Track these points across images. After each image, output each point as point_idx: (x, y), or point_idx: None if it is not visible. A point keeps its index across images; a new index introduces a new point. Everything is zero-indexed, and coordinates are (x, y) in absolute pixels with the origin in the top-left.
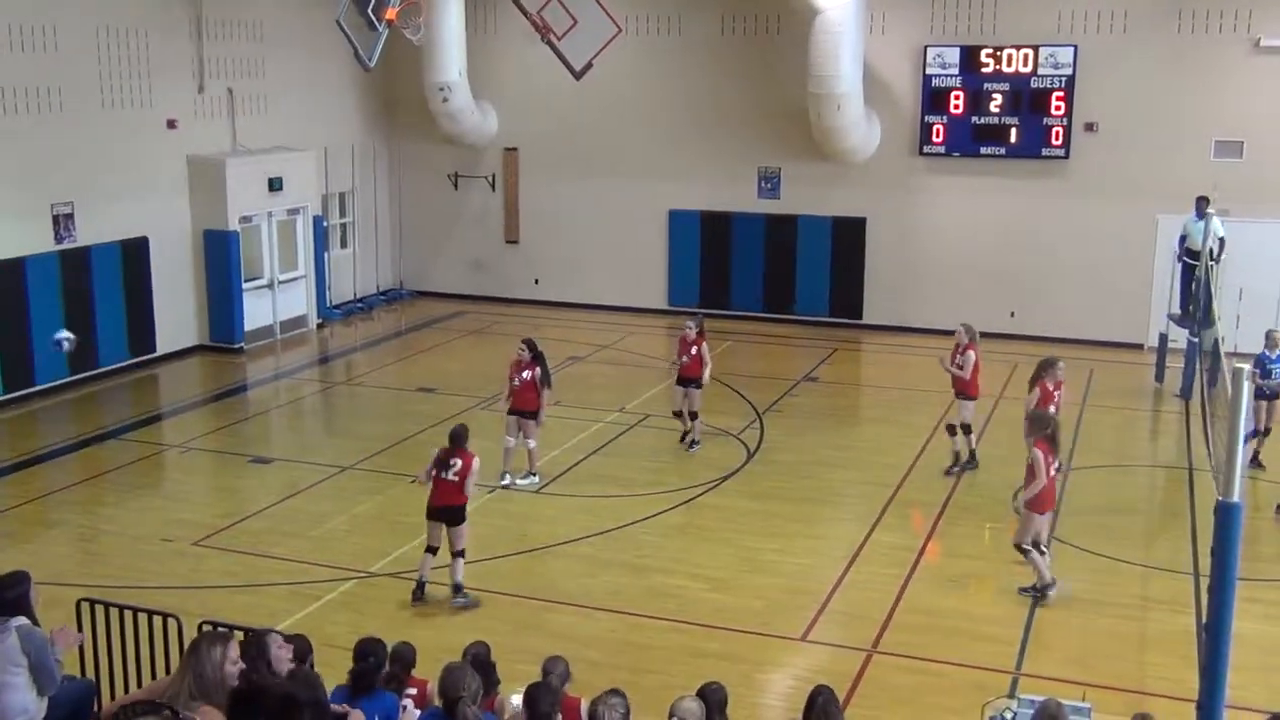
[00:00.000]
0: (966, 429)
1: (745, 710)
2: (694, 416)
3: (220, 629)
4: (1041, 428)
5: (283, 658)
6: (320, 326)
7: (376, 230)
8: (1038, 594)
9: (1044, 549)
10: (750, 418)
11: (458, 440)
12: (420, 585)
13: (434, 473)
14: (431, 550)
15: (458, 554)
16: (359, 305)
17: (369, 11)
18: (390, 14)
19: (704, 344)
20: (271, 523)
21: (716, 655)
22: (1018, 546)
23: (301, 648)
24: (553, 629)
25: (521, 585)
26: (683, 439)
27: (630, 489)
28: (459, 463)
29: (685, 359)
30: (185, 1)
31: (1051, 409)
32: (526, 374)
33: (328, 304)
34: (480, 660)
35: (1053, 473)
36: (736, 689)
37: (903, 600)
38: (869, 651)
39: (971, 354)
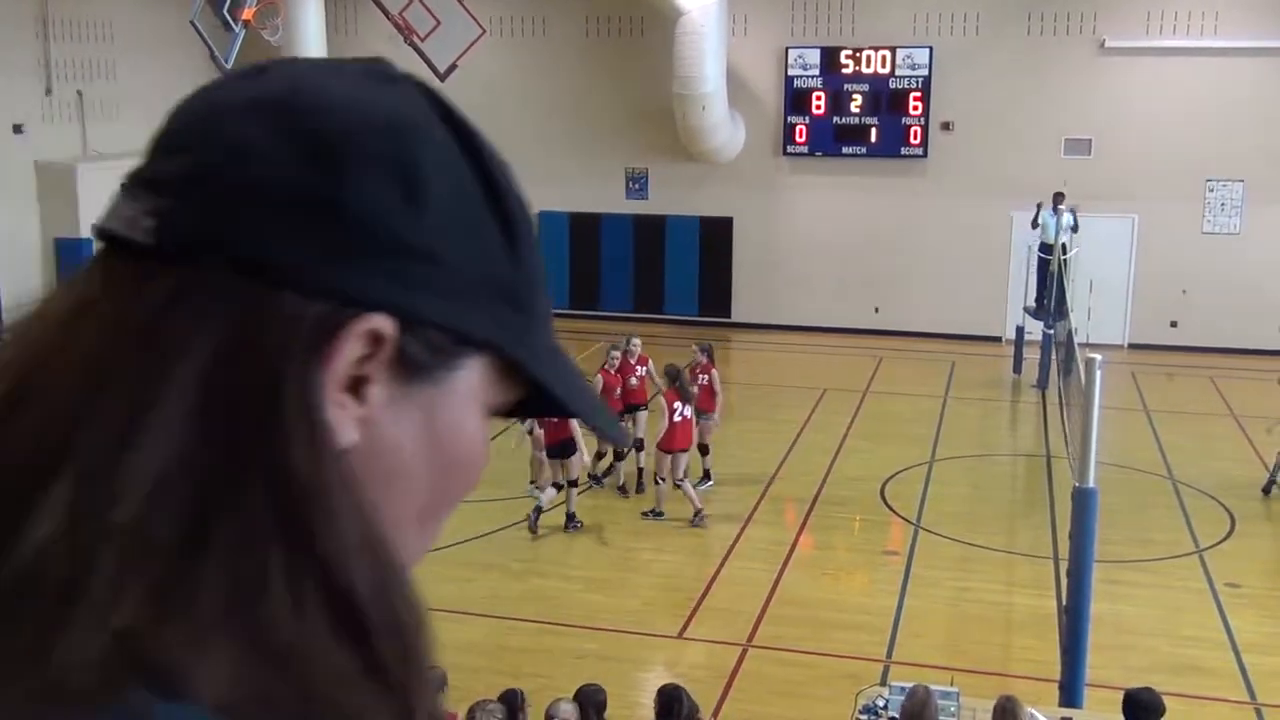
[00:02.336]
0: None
1: (625, 709)
2: (705, 451)
3: None
4: (671, 380)
5: None
6: None
7: None
8: (656, 515)
9: (679, 483)
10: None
11: None
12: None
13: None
14: (556, 486)
15: (572, 484)
16: None
17: (224, 12)
18: (247, 14)
19: (714, 371)
20: None
21: (596, 656)
22: (656, 479)
23: None
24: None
25: None
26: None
27: (506, 492)
28: None
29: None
30: (29, 1)
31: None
32: None
33: None
34: None
35: (678, 418)
36: (616, 689)
37: (776, 594)
38: (745, 646)
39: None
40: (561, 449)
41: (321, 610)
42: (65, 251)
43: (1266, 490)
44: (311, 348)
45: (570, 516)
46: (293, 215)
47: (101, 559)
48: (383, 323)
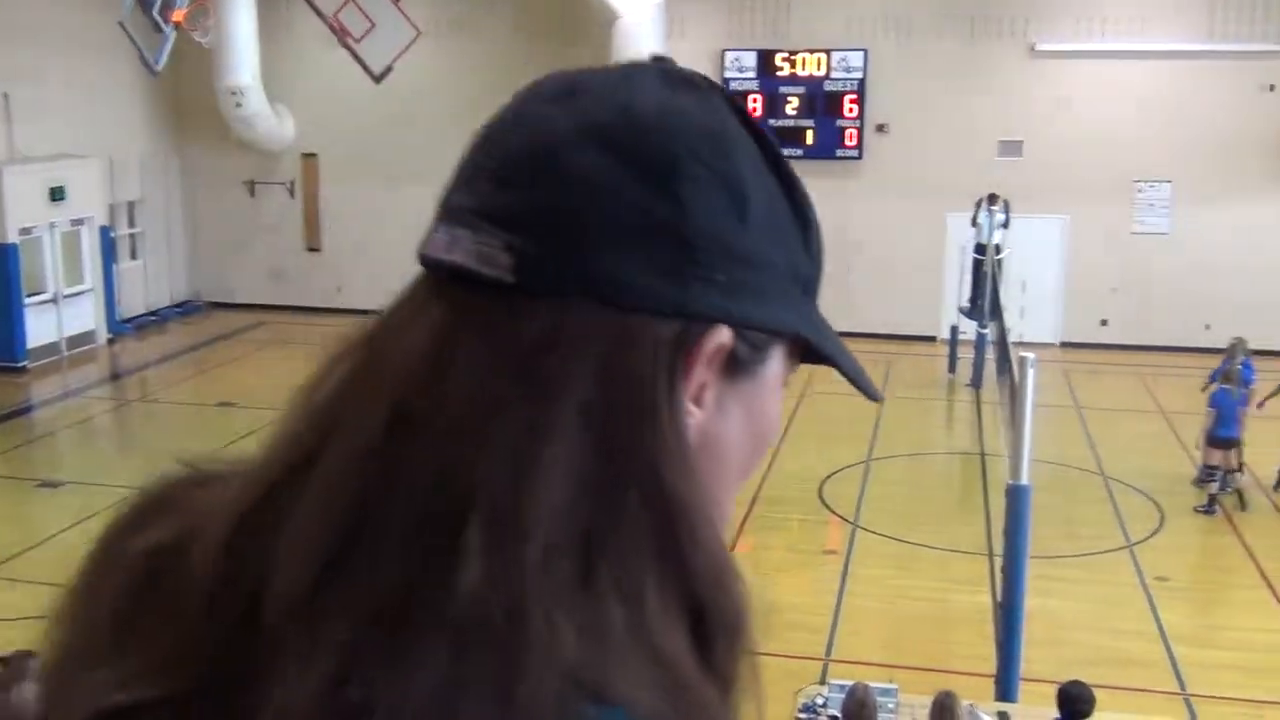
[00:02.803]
0: None
1: None
2: None
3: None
4: None
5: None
6: (110, 342)
7: (169, 240)
8: None
9: None
10: None
11: None
12: None
13: None
14: None
15: None
16: (152, 318)
17: (154, 13)
18: (177, 16)
19: None
20: (62, 550)
21: None
22: None
23: None
24: None
25: None
26: None
27: None
28: None
29: None
30: None
31: None
32: None
33: (118, 318)
34: None
35: None
36: None
37: None
38: None
39: None
40: None
41: (682, 618)
42: None
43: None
44: (672, 368)
45: None
46: (642, 242)
47: (529, 600)
48: (725, 335)
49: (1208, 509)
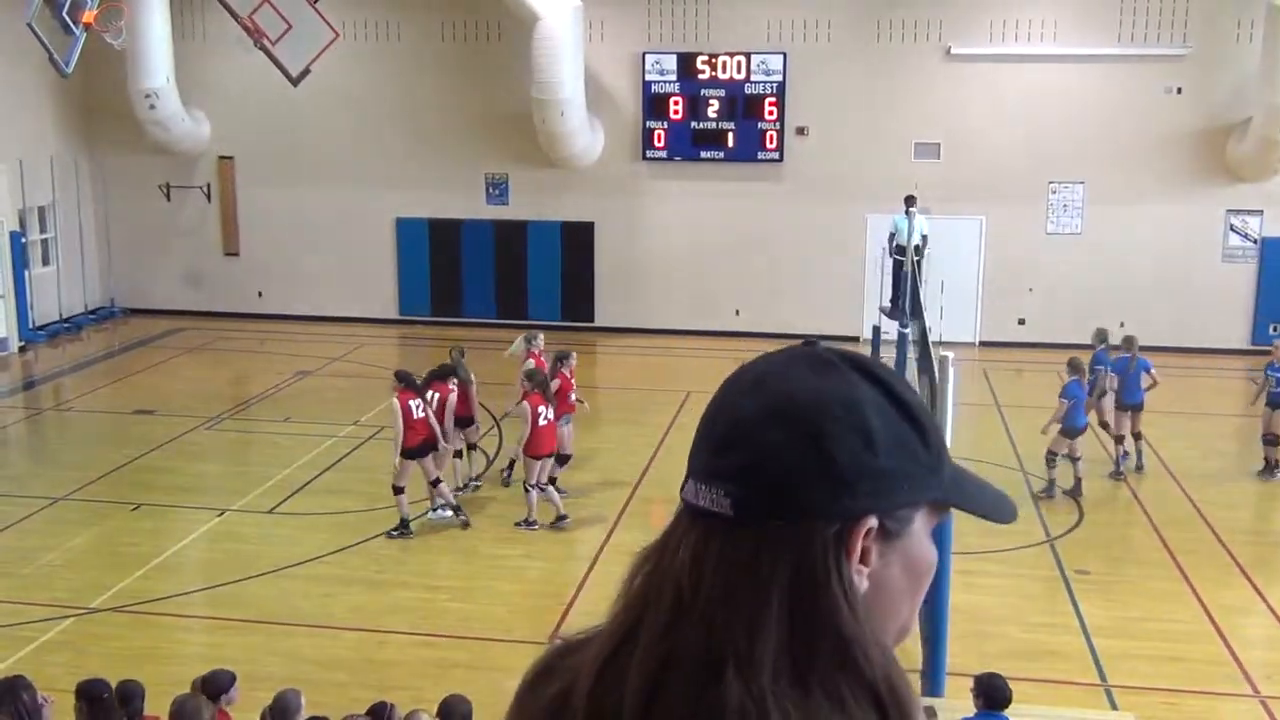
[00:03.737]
0: None
1: (493, 719)
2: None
3: None
4: (535, 383)
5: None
6: (23, 349)
7: (82, 245)
8: (530, 525)
9: (544, 487)
10: (488, 424)
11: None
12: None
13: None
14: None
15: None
16: (65, 325)
17: (64, 14)
18: (88, 17)
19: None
20: None
21: (465, 665)
22: (525, 486)
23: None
24: (293, 653)
25: (258, 610)
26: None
27: (366, 504)
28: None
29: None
30: None
31: (572, 396)
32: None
33: (30, 325)
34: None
35: (543, 421)
36: (486, 698)
37: None
38: None
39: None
40: (420, 449)
41: (870, 706)
42: None
43: (1048, 494)
44: (839, 552)
45: (456, 509)
46: (811, 480)
47: (770, 706)
48: (872, 521)
49: (1048, 493)
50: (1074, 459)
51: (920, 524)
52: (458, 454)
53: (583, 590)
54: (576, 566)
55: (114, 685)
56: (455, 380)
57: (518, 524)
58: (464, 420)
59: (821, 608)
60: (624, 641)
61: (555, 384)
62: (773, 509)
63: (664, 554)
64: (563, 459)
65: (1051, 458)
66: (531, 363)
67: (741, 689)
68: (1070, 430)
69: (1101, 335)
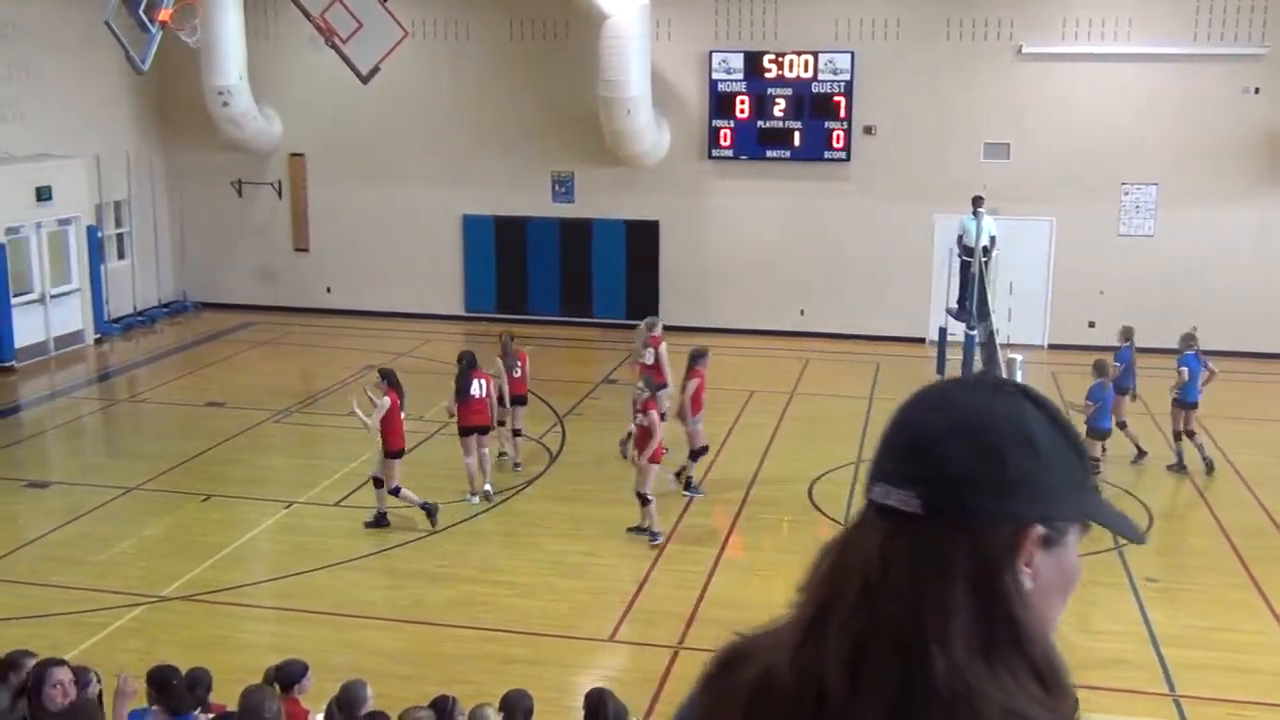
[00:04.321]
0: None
1: (555, 714)
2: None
3: None
4: (652, 389)
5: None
6: (98, 342)
7: (156, 240)
8: (646, 533)
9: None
10: (551, 421)
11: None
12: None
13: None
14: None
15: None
16: (140, 319)
17: (140, 13)
18: (163, 15)
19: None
20: (51, 550)
21: (525, 661)
22: (640, 495)
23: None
24: (358, 644)
25: (324, 602)
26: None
27: (431, 498)
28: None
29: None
30: None
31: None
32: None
33: (106, 318)
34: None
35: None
36: (546, 693)
37: (706, 596)
38: (675, 648)
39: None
40: (401, 452)
41: (1035, 679)
42: None
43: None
44: (1010, 549)
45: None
46: (989, 488)
47: (971, 677)
48: (1039, 529)
49: None
50: (1093, 460)
51: (1073, 537)
52: (516, 432)
53: (644, 588)
54: (638, 564)
55: (183, 672)
56: (501, 363)
57: (631, 529)
58: (517, 399)
59: (998, 596)
60: (815, 622)
61: (693, 383)
62: (956, 510)
63: (849, 545)
64: (696, 453)
65: (1095, 464)
66: (650, 353)
67: (945, 660)
68: (1096, 432)
69: (1126, 333)
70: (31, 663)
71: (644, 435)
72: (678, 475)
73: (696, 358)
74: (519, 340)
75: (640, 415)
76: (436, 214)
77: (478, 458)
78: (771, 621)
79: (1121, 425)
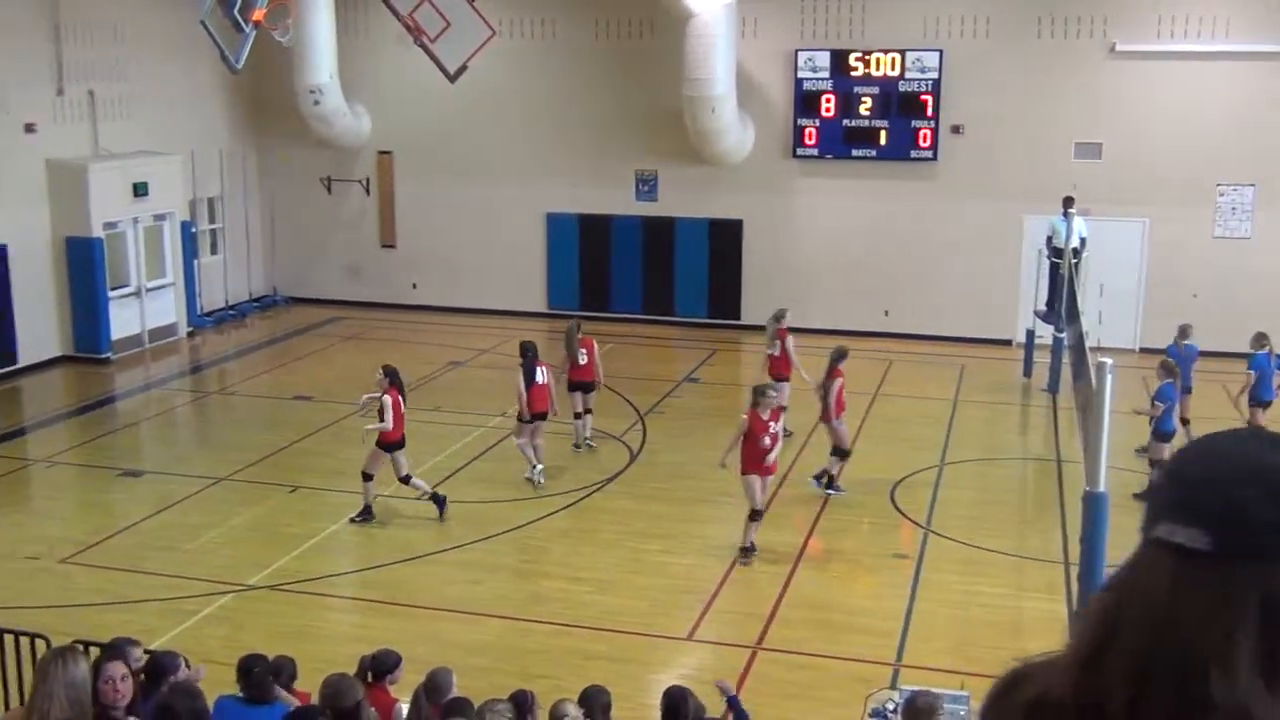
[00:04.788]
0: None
1: (632, 711)
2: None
3: (76, 646)
4: (758, 394)
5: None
6: (191, 335)
7: (248, 236)
8: (746, 554)
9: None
10: (633, 419)
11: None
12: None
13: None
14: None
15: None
16: (231, 312)
17: (235, 13)
18: (257, 15)
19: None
20: (143, 537)
21: (604, 657)
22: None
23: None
24: (440, 636)
25: (407, 594)
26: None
27: (514, 494)
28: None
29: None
30: (42, 3)
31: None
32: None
33: (198, 311)
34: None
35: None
36: (624, 690)
37: (786, 596)
38: (754, 648)
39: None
40: (400, 443)
41: None
42: (75, 249)
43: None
44: None
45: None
46: (1271, 530)
47: (1254, 701)
48: None
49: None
50: (1157, 462)
51: None
52: (577, 414)
53: (723, 588)
54: (718, 565)
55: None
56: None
57: (743, 554)
58: (586, 385)
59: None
60: (1097, 649)
61: (836, 382)
62: (1245, 550)
63: (1131, 580)
64: (844, 453)
65: (1155, 466)
66: (777, 345)
67: (1227, 686)
68: (1163, 435)
69: (1184, 331)
70: (138, 650)
71: (754, 447)
72: (818, 478)
73: (838, 358)
74: (590, 335)
75: (773, 424)
76: (521, 211)
77: (529, 439)
78: (1049, 653)
79: (1185, 423)
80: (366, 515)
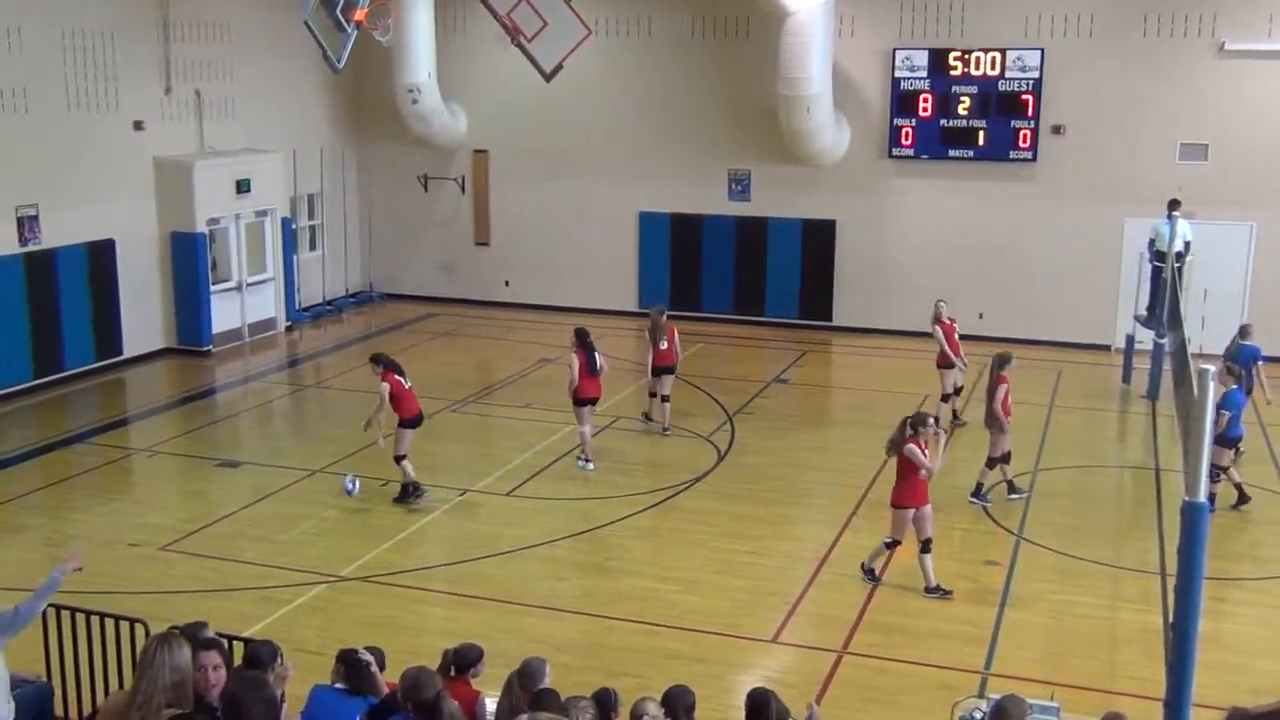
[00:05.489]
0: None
1: (715, 712)
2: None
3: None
4: (918, 423)
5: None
6: (289, 329)
7: (345, 232)
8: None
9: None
10: (721, 419)
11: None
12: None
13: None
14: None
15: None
16: (328, 308)
17: (337, 13)
18: (359, 15)
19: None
20: (240, 527)
21: (688, 657)
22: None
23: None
24: (525, 632)
25: (493, 589)
26: None
27: (600, 491)
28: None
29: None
30: (152, 3)
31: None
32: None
33: (296, 307)
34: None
35: (923, 473)
36: (707, 690)
37: (873, 601)
38: (839, 652)
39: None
40: (415, 420)
41: None
42: (180, 244)
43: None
44: None
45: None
46: None
47: None
48: None
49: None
50: (1221, 468)
51: None
52: (664, 398)
53: (809, 591)
54: (804, 567)
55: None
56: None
57: (867, 571)
58: (669, 369)
59: None
60: None
61: (1002, 389)
62: None
63: None
64: (1003, 460)
65: (1216, 472)
66: (938, 331)
67: None
68: (1229, 440)
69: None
70: (207, 632)
71: (916, 480)
72: (1009, 486)
73: (1002, 363)
74: (673, 322)
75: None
76: (614, 210)
77: (590, 427)
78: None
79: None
80: (415, 493)
